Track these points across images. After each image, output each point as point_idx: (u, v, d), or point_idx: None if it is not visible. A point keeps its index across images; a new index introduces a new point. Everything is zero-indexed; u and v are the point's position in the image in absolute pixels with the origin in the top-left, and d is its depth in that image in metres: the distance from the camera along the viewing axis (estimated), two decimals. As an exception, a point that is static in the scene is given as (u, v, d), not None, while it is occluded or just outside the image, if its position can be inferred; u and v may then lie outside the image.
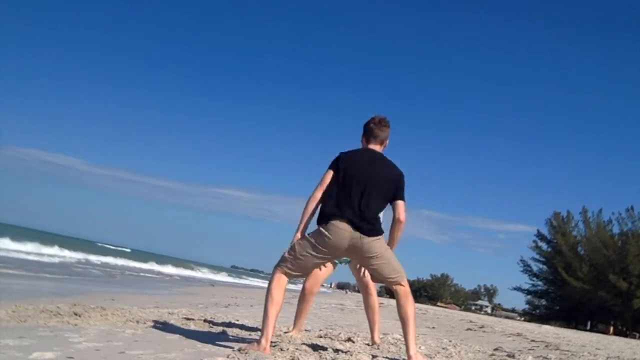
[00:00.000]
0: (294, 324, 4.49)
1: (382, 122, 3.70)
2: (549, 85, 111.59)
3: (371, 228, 3.41)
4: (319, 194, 3.50)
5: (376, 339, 4.35)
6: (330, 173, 3.51)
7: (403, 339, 4.75)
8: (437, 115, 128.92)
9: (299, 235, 3.54)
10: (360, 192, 3.42)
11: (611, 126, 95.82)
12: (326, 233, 3.38)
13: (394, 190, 3.52)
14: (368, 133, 3.70)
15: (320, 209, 3.50)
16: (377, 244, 3.45)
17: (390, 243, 3.59)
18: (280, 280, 3.50)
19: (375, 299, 4.38)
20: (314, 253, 3.45)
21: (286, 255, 3.53)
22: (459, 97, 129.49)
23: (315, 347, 3.71)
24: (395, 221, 3.56)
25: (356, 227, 3.36)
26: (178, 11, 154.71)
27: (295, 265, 3.49)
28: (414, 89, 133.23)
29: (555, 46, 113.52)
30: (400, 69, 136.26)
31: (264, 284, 44.32)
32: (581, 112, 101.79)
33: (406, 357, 3.50)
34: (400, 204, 3.54)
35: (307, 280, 4.25)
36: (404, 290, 3.55)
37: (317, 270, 4.09)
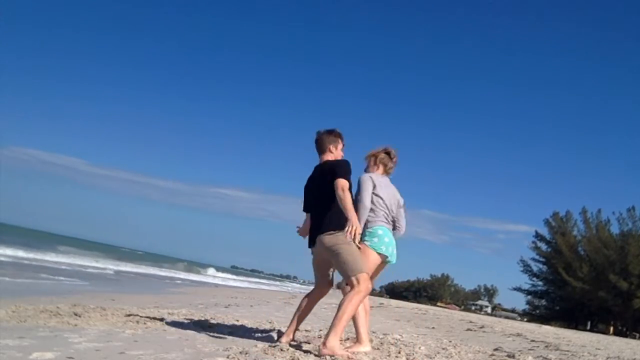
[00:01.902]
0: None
1: (320, 135, 4.03)
2: (549, 85, 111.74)
3: (320, 229, 3.75)
4: None
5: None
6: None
7: (403, 339, 4.75)
8: (437, 116, 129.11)
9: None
10: (312, 205, 3.96)
11: (611, 126, 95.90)
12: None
13: (330, 177, 3.70)
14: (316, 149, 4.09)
15: None
16: (326, 238, 3.70)
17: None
18: (310, 290, 4.16)
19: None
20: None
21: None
22: (459, 98, 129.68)
23: (316, 347, 3.71)
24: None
25: (312, 239, 3.86)
26: (178, 11, 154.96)
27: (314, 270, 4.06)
28: (414, 89, 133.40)
29: (556, 46, 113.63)
30: (401, 69, 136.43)
31: (263, 284, 44.33)
32: (581, 112, 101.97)
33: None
34: (335, 182, 3.66)
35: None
36: (353, 289, 3.55)
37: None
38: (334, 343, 3.44)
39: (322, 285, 4.09)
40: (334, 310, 3.68)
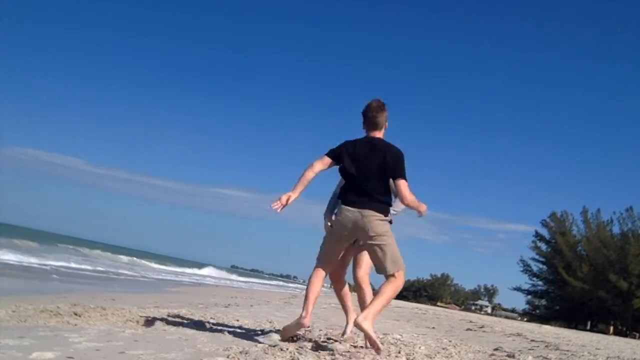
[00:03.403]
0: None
1: (378, 109, 3.81)
2: (549, 84, 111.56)
3: (371, 206, 3.63)
4: (315, 165, 3.78)
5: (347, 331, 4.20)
6: (327, 158, 3.80)
7: (403, 339, 4.76)
8: (437, 115, 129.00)
9: (291, 194, 3.69)
10: (359, 180, 3.70)
11: (611, 126, 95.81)
12: (336, 214, 3.79)
13: (391, 171, 3.66)
14: (366, 121, 3.86)
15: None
16: (380, 225, 3.63)
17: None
18: (318, 272, 3.87)
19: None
20: (331, 236, 3.84)
21: (318, 250, 3.89)
22: (459, 97, 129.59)
23: (315, 347, 3.71)
24: (400, 200, 3.77)
25: (357, 206, 3.66)
26: (178, 11, 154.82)
27: (324, 253, 3.87)
28: (414, 88, 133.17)
29: (556, 46, 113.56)
30: (401, 68, 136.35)
31: (263, 284, 44.37)
32: (581, 111, 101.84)
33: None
34: (399, 183, 3.66)
35: (357, 270, 4.11)
36: (393, 280, 3.60)
37: (362, 259, 4.07)
38: (369, 325, 3.46)
39: (336, 265, 3.97)
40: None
